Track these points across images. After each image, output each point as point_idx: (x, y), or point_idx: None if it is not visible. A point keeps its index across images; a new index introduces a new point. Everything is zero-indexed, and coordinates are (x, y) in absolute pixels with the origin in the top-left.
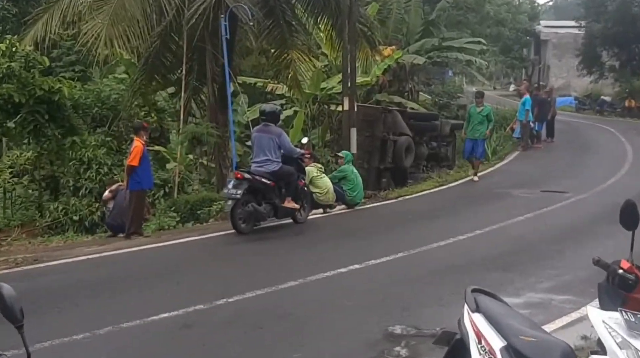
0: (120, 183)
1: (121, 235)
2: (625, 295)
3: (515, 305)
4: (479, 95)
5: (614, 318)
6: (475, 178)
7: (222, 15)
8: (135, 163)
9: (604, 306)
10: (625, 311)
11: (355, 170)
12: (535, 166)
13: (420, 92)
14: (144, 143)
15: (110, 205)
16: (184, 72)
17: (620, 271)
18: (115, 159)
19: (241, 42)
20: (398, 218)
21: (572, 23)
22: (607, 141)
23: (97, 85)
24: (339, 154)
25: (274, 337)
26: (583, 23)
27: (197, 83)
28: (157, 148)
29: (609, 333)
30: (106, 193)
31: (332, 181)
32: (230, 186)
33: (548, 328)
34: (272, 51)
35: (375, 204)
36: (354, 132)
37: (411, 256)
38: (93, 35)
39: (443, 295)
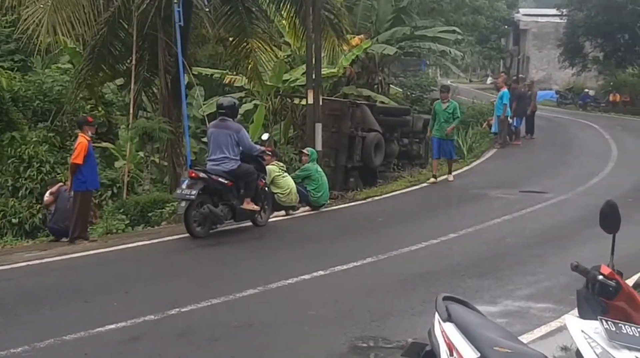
0: (62, 184)
1: (65, 239)
2: (606, 302)
3: (491, 313)
4: (444, 89)
5: (594, 327)
6: (450, 178)
7: (176, 1)
8: (79, 160)
9: (583, 315)
10: (605, 320)
11: (320, 169)
12: (514, 165)
13: (391, 85)
14: (89, 139)
15: (53, 208)
16: (133, 62)
17: (600, 277)
18: (59, 157)
19: (197, 30)
20: (366, 220)
21: (554, 11)
22: (590, 138)
23: (39, 76)
24: (304, 151)
25: (231, 350)
26: (565, 11)
27: (149, 74)
28: (104, 144)
29: (589, 343)
30: (46, 196)
31: (295, 181)
32: (184, 186)
33: (526, 338)
34: (231, 39)
35: (342, 205)
36: (319, 128)
37: (380, 262)
38: (34, 21)
39: (414, 304)
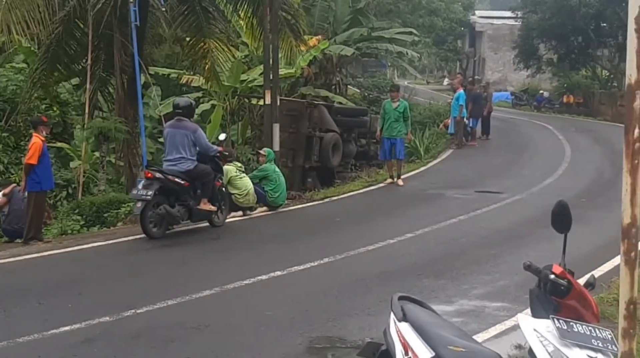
0: (15, 184)
1: (19, 240)
2: (558, 301)
3: (447, 313)
4: (394, 88)
5: (546, 326)
6: (400, 182)
7: (132, 1)
8: (33, 161)
9: (535, 314)
10: (557, 319)
11: (277, 169)
12: (470, 165)
13: (349, 86)
14: (43, 139)
15: (6, 209)
16: (89, 62)
17: (552, 276)
18: (13, 157)
19: (153, 29)
20: (324, 220)
21: (509, 14)
22: (544, 139)
23: None
24: (260, 151)
25: (186, 352)
26: (520, 14)
27: (105, 74)
28: (59, 144)
29: (541, 342)
30: (0, 197)
31: (252, 181)
32: (140, 186)
33: (481, 337)
34: (188, 39)
35: (300, 206)
36: (276, 128)
37: (337, 262)
38: None
39: (370, 304)
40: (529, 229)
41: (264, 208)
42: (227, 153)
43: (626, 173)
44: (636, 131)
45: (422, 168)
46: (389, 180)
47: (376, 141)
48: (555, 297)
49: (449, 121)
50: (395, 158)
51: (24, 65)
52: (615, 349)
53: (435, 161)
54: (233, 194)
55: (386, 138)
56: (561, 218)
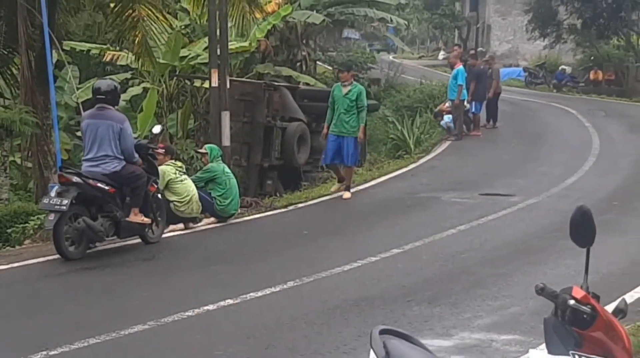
0: None
1: None
2: (580, 333)
3: (444, 349)
4: (344, 68)
5: None
6: (347, 194)
7: None
8: None
9: (552, 349)
10: (579, 356)
11: (227, 169)
12: (472, 161)
13: (318, 62)
14: None
15: None
16: None
17: (572, 302)
18: None
19: None
20: (288, 234)
21: None
22: (566, 127)
23: None
24: (201, 150)
25: None
26: None
27: (6, 51)
28: None
29: None
30: None
31: (196, 185)
32: (53, 193)
33: None
34: (112, 5)
35: (257, 215)
36: (226, 117)
37: (305, 287)
38: None
39: (347, 339)
40: (547, 241)
41: (211, 219)
42: (163, 150)
43: None
44: None
45: (412, 165)
46: (338, 185)
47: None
48: (576, 328)
49: (445, 105)
50: (343, 164)
51: None
52: None
53: (428, 157)
54: (172, 201)
55: (333, 135)
56: (582, 229)
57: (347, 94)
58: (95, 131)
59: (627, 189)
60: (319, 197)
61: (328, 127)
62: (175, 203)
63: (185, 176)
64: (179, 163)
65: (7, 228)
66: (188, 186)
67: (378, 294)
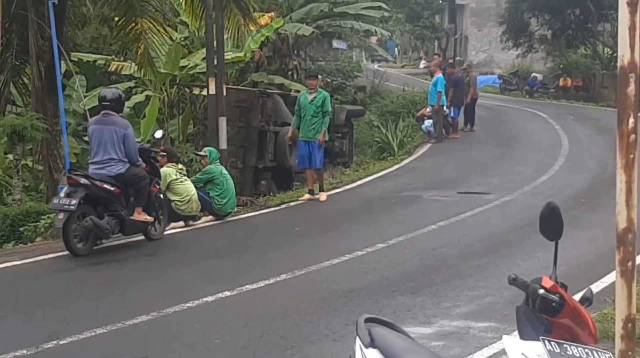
0: None
1: None
2: (549, 320)
3: (425, 336)
4: (311, 76)
5: (536, 349)
6: (323, 197)
7: None
8: None
9: (524, 335)
10: (548, 341)
11: (225, 171)
12: (451, 162)
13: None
14: None
15: None
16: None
17: (542, 291)
18: None
19: (75, 8)
20: (281, 230)
21: None
22: (538, 130)
23: None
24: (200, 153)
25: None
26: None
27: (18, 62)
28: None
29: None
30: None
31: (195, 186)
32: (62, 194)
33: None
34: (116, 19)
35: (252, 213)
36: (223, 122)
37: (297, 279)
38: None
39: (335, 327)
40: (520, 235)
41: (210, 217)
42: (165, 153)
43: (620, 169)
44: (631, 120)
45: (396, 166)
46: (307, 195)
47: (341, 135)
48: (546, 315)
49: (426, 110)
50: (312, 167)
51: None
52: None
53: (410, 158)
54: (173, 201)
55: (303, 141)
56: (551, 223)
57: (312, 100)
58: (101, 136)
59: (594, 187)
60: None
61: (293, 132)
62: (176, 202)
63: (186, 178)
64: (179, 165)
65: (20, 227)
66: (188, 187)
67: (364, 286)
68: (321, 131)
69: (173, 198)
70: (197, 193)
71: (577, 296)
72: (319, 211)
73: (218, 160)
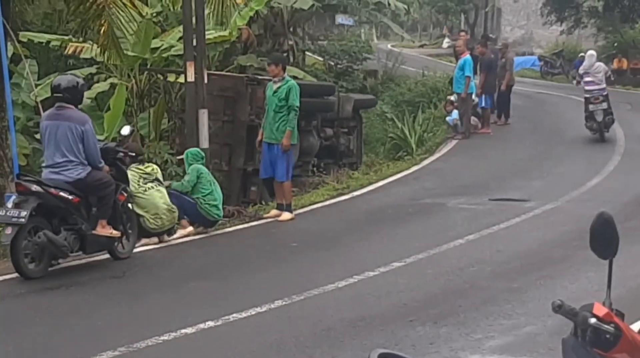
0: None
1: None
2: (602, 355)
3: None
4: (275, 60)
5: None
6: (284, 216)
7: None
8: None
9: None
10: None
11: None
12: (482, 162)
13: (307, 53)
14: None
15: None
16: None
17: (593, 320)
18: None
19: None
20: (275, 246)
21: None
22: None
23: None
24: (180, 157)
25: None
26: None
27: None
28: None
29: None
30: None
31: (181, 192)
32: (10, 204)
33: None
34: None
35: (240, 226)
36: (204, 116)
37: (294, 306)
38: None
39: None
40: (566, 252)
41: (189, 230)
42: (132, 153)
43: None
44: None
45: (415, 168)
46: (274, 211)
47: (347, 130)
48: (598, 349)
49: (452, 98)
50: (274, 178)
51: None
52: None
53: (432, 158)
54: (140, 216)
55: (266, 143)
56: (604, 238)
57: (276, 91)
58: (55, 134)
59: None
60: (310, 205)
61: (262, 134)
62: (143, 217)
63: (152, 185)
64: (148, 167)
65: None
66: (154, 197)
67: (377, 313)
68: (285, 130)
69: (138, 211)
70: (178, 197)
71: (635, 326)
72: (320, 223)
73: (202, 160)
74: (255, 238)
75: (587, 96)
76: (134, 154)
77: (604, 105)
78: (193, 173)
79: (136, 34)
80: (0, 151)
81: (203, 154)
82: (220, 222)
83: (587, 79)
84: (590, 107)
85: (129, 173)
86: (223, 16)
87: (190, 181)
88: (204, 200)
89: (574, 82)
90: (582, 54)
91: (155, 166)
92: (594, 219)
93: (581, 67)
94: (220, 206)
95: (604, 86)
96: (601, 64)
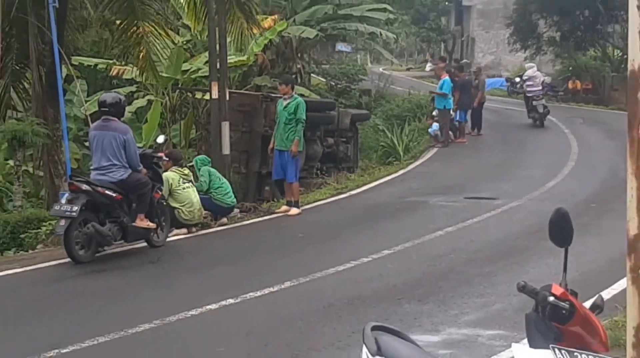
0: None
1: None
2: (559, 328)
3: (432, 344)
4: (285, 81)
5: (546, 357)
6: (292, 211)
7: None
8: None
9: (533, 343)
10: (558, 349)
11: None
12: (458, 167)
13: (312, 75)
14: None
15: None
16: None
17: (552, 298)
18: None
19: (76, 11)
20: (285, 237)
21: None
22: (546, 133)
23: None
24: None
25: None
26: None
27: (18, 66)
28: None
29: None
30: None
31: (200, 191)
32: (63, 201)
33: None
34: (118, 22)
35: (256, 219)
36: (226, 127)
37: (301, 287)
38: None
39: (341, 336)
40: (529, 241)
41: (214, 225)
42: (168, 157)
43: (631, 175)
44: None
45: (401, 171)
46: (284, 207)
47: (345, 140)
48: (555, 323)
49: (434, 113)
50: (285, 179)
51: None
52: None
53: (417, 163)
54: (175, 209)
55: (277, 150)
56: (561, 230)
57: (286, 107)
58: (102, 142)
59: (604, 193)
60: (314, 202)
61: (274, 142)
62: (179, 210)
63: (189, 184)
64: (185, 170)
65: (21, 234)
66: (190, 194)
67: (370, 293)
68: (294, 139)
69: (175, 204)
70: (203, 199)
71: (587, 304)
72: (323, 217)
73: (208, 165)
74: (268, 230)
75: (530, 95)
76: (169, 158)
77: (543, 101)
78: (205, 174)
79: (169, 58)
80: (55, 156)
81: (209, 159)
82: (239, 216)
83: (529, 83)
84: (534, 103)
85: (171, 173)
86: (242, 44)
87: (205, 181)
88: (216, 193)
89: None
90: (530, 71)
91: (188, 171)
92: (552, 214)
93: (525, 75)
94: (232, 194)
95: (541, 88)
96: (539, 73)
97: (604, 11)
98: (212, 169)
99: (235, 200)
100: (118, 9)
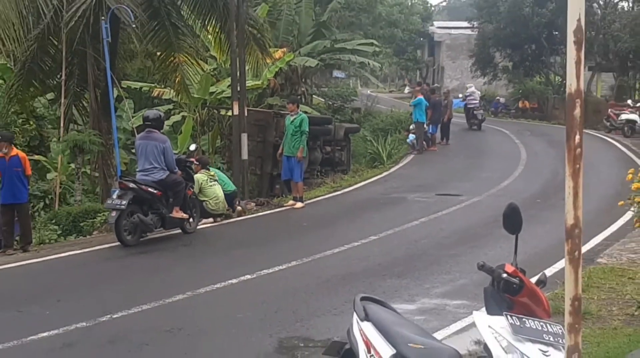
0: None
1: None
2: (511, 299)
3: (409, 311)
4: (292, 100)
5: (500, 322)
6: (298, 205)
7: (103, 17)
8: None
9: (490, 311)
10: (510, 316)
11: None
12: (431, 170)
13: (314, 96)
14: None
15: None
16: (63, 77)
17: (505, 275)
18: None
19: (125, 45)
20: (292, 225)
21: (465, 24)
22: (501, 143)
23: None
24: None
25: (160, 354)
26: (476, 24)
27: (79, 88)
28: (36, 157)
29: (495, 338)
30: None
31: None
32: (114, 196)
33: (442, 333)
34: (158, 54)
35: (268, 212)
36: (244, 137)
37: (305, 265)
38: None
39: (336, 304)
40: (487, 229)
41: (234, 216)
42: (198, 162)
43: (568, 176)
44: (577, 137)
45: (385, 173)
46: (291, 201)
47: (340, 148)
48: (508, 295)
49: (411, 127)
50: (292, 179)
51: (1, 81)
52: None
53: (397, 166)
54: (204, 201)
55: (285, 156)
56: (512, 220)
57: (293, 121)
58: (145, 149)
59: (547, 191)
60: (315, 198)
61: (283, 149)
62: (207, 202)
63: (215, 182)
64: (211, 172)
65: (80, 222)
66: (216, 190)
67: (359, 270)
68: (299, 147)
69: (204, 198)
70: (225, 194)
71: (533, 279)
72: (322, 210)
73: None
74: (279, 220)
75: (471, 106)
76: (199, 163)
77: (481, 111)
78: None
79: (199, 82)
80: (108, 161)
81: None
82: (255, 208)
83: (470, 98)
84: (474, 112)
85: (200, 174)
86: (258, 71)
87: (224, 180)
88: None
89: (464, 103)
90: (497, 97)
91: (213, 173)
92: (506, 208)
93: (467, 92)
94: (230, 183)
95: (478, 101)
96: (477, 92)
97: (547, 46)
98: (215, 170)
99: (234, 187)
100: (158, 43)
